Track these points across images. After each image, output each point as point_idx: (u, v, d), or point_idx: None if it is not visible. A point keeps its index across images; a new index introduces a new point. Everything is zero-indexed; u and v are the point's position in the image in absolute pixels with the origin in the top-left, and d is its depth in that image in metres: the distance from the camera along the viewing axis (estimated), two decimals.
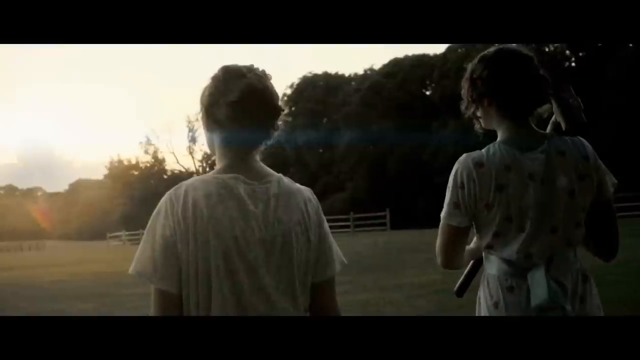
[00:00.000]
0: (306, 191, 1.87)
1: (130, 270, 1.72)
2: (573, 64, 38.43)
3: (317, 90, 53.53)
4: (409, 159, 40.09)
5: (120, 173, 72.41)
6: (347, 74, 55.74)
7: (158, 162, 69.79)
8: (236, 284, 1.68)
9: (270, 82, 1.82)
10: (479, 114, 2.24)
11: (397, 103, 43.21)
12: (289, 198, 1.79)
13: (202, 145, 55.50)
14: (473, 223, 2.15)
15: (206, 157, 58.34)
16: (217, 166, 1.84)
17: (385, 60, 47.60)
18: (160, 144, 64.10)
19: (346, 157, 45.00)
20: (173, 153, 71.71)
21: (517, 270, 2.08)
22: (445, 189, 2.15)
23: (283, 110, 1.84)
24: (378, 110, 43.33)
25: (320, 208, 1.87)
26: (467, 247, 2.28)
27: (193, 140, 61.49)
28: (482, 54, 2.20)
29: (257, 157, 1.84)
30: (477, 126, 2.29)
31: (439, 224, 2.20)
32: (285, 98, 56.15)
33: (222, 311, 1.67)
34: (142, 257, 1.70)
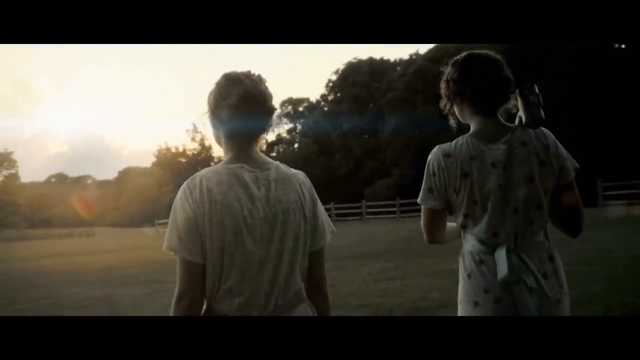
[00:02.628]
0: (300, 175, 2.19)
1: (163, 247, 2.03)
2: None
3: (361, 76, 53.23)
4: None
5: (168, 160, 73.44)
6: (392, 59, 55.36)
7: (205, 149, 70.58)
8: (245, 255, 1.99)
9: (265, 85, 2.15)
10: (454, 110, 2.56)
11: None
12: (286, 182, 2.12)
13: None
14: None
15: None
16: (225, 157, 2.17)
17: (431, 45, 46.90)
18: (207, 131, 64.22)
19: (392, 142, 44.75)
20: None
21: (487, 247, 2.38)
22: None
23: (275, 109, 2.19)
24: (424, 95, 42.87)
25: (312, 189, 2.20)
26: (452, 225, 2.56)
27: None
28: (455, 58, 2.52)
29: (256, 148, 2.18)
30: (452, 121, 2.61)
31: None
32: (331, 84, 56.12)
33: (234, 279, 1.99)
34: (171, 235, 2.02)
